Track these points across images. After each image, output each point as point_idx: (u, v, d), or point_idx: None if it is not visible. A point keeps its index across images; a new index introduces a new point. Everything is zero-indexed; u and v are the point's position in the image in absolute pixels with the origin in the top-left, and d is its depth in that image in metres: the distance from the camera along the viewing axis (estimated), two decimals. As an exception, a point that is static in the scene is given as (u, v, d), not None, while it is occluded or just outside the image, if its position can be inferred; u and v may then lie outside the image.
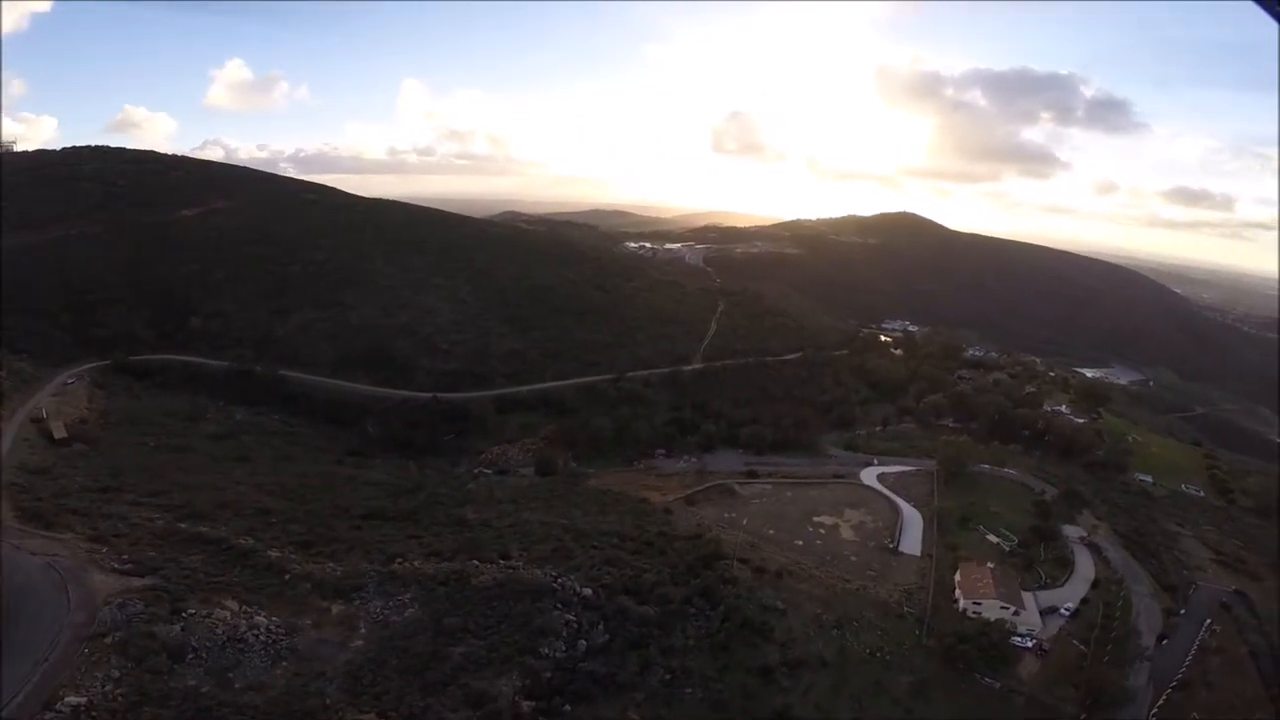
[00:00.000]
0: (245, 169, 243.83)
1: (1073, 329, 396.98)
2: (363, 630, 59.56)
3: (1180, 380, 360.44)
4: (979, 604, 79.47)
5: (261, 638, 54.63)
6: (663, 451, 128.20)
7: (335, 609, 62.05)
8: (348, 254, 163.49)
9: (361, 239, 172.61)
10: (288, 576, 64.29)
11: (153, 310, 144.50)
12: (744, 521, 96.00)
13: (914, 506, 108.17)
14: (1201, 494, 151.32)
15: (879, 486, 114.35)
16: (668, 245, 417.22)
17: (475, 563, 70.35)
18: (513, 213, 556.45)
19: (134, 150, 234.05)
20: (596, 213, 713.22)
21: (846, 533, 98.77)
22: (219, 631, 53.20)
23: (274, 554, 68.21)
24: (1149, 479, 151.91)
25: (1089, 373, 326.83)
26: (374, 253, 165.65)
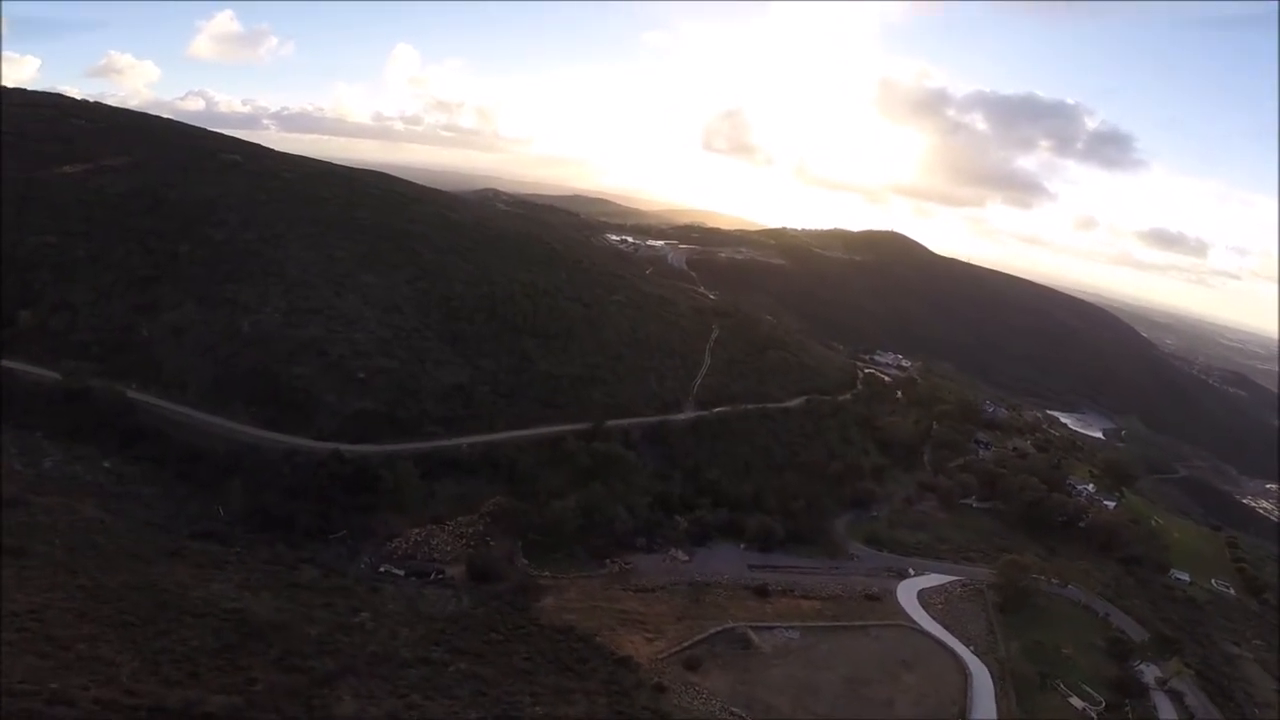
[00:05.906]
0: (164, 120, 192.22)
1: (1048, 366, 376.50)
2: None
3: (1149, 430, 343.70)
4: None
5: None
6: (643, 541, 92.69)
7: None
8: (257, 234, 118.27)
9: (281, 214, 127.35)
10: None
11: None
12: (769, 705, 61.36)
13: (975, 654, 78.13)
14: (1232, 591, 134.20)
15: (932, 626, 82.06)
16: (650, 241, 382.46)
17: None
18: (493, 190, 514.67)
19: (33, 92, 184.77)
20: (578, 198, 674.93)
21: (904, 710, 66.66)
22: None
23: None
24: (1185, 577, 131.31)
25: (1064, 418, 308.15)
26: (293, 233, 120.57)
